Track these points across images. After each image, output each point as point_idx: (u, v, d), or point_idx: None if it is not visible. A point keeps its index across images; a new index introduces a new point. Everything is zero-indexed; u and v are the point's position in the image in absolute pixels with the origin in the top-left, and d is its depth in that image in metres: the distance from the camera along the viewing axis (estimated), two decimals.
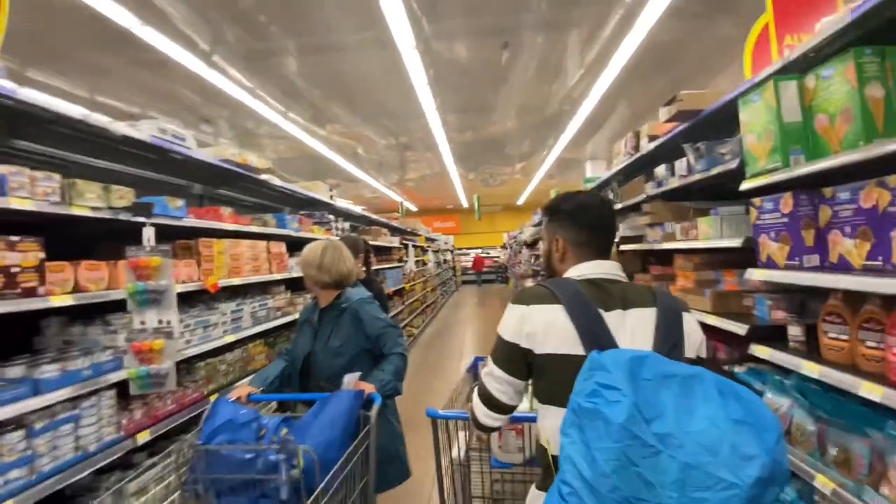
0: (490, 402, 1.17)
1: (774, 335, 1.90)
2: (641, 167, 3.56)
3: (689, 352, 1.07)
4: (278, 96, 6.26)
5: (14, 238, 1.66)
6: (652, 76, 5.88)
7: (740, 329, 1.93)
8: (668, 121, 2.61)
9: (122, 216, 2.04)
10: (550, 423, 1.06)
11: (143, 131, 2.39)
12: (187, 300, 2.85)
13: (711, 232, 2.30)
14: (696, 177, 2.38)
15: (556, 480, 0.88)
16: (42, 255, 1.74)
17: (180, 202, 2.39)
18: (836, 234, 1.52)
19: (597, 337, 1.02)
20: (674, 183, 2.69)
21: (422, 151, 9.83)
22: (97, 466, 1.93)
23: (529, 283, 7.20)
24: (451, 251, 19.46)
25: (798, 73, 1.66)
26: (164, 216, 2.26)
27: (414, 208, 19.51)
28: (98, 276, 1.95)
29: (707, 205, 2.59)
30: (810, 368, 1.56)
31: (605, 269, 1.17)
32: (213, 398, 2.60)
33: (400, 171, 12.01)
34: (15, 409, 1.62)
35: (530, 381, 1.15)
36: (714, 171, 2.19)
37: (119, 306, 2.11)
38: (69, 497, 2.03)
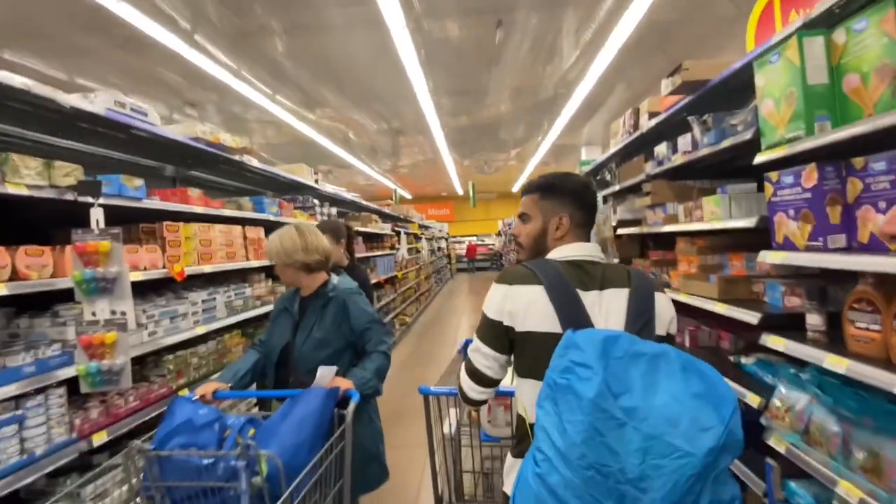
0: (475, 375, 1.23)
1: (788, 324, 1.73)
2: (642, 147, 3.37)
3: (660, 329, 1.13)
4: (265, 78, 6.05)
5: None
6: (650, 57, 5.67)
7: (752, 318, 1.76)
8: (672, 93, 2.41)
9: (69, 196, 1.83)
10: (528, 394, 1.14)
11: (96, 104, 2.16)
12: (156, 289, 2.66)
13: (719, 212, 2.12)
14: (704, 151, 2.18)
15: (531, 448, 0.97)
16: None
17: (139, 182, 2.17)
18: (867, 210, 1.34)
19: (574, 316, 1.08)
20: (677, 160, 2.49)
21: (414, 136, 9.62)
22: (46, 471, 1.76)
23: None
24: (446, 239, 19.25)
25: (825, 28, 1.46)
26: (119, 197, 2.05)
27: (408, 196, 19.30)
28: (40, 262, 1.75)
29: (713, 184, 2.41)
30: (834, 362, 1.39)
31: (587, 250, 1.22)
32: (182, 393, 2.42)
33: (393, 158, 11.79)
34: None
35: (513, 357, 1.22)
36: (724, 145, 1.99)
37: (71, 296, 1.91)
38: (23, 500, 1.88)
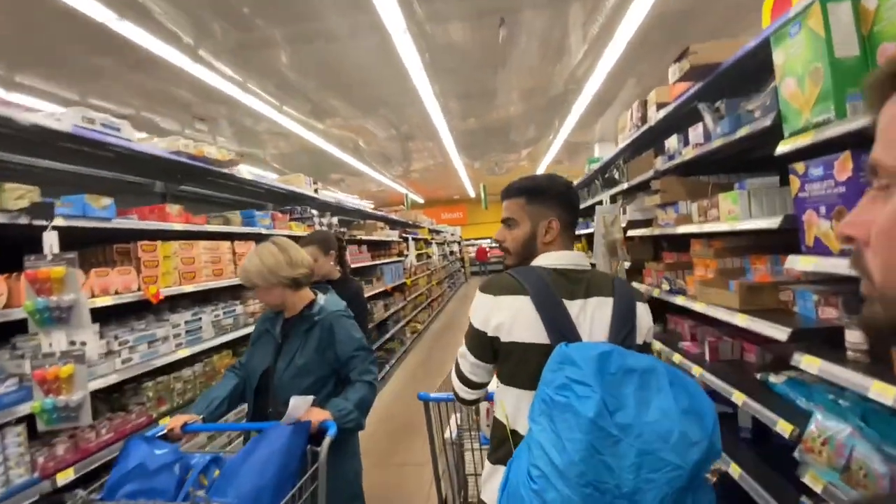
0: (463, 379, 1.26)
1: (824, 339, 1.48)
2: (651, 141, 3.13)
3: (639, 338, 1.15)
4: (272, 90, 6.01)
5: None
6: (661, 50, 5.40)
7: (781, 333, 1.51)
8: (680, 80, 2.18)
9: (22, 220, 1.71)
10: (510, 402, 1.15)
11: (63, 121, 2.05)
12: (136, 311, 2.54)
13: (737, 210, 1.87)
14: (717, 143, 1.94)
15: (525, 464, 0.96)
16: None
17: (107, 201, 2.05)
18: None
19: (560, 326, 1.09)
20: (688, 154, 2.25)
21: (424, 141, 9.50)
22: None
23: None
24: (459, 242, 18.99)
25: None
26: (83, 218, 1.93)
27: (420, 200, 19.21)
28: None
29: (729, 178, 2.17)
30: (881, 391, 1.15)
31: (573, 259, 1.21)
32: (163, 422, 2.28)
33: (403, 163, 11.69)
34: None
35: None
36: (740, 134, 1.75)
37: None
38: None
